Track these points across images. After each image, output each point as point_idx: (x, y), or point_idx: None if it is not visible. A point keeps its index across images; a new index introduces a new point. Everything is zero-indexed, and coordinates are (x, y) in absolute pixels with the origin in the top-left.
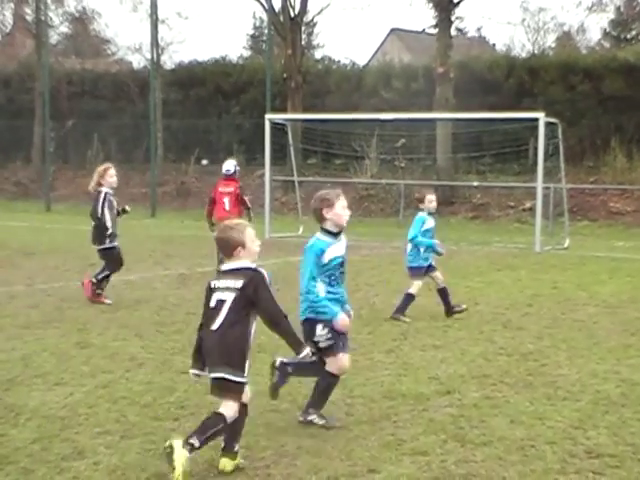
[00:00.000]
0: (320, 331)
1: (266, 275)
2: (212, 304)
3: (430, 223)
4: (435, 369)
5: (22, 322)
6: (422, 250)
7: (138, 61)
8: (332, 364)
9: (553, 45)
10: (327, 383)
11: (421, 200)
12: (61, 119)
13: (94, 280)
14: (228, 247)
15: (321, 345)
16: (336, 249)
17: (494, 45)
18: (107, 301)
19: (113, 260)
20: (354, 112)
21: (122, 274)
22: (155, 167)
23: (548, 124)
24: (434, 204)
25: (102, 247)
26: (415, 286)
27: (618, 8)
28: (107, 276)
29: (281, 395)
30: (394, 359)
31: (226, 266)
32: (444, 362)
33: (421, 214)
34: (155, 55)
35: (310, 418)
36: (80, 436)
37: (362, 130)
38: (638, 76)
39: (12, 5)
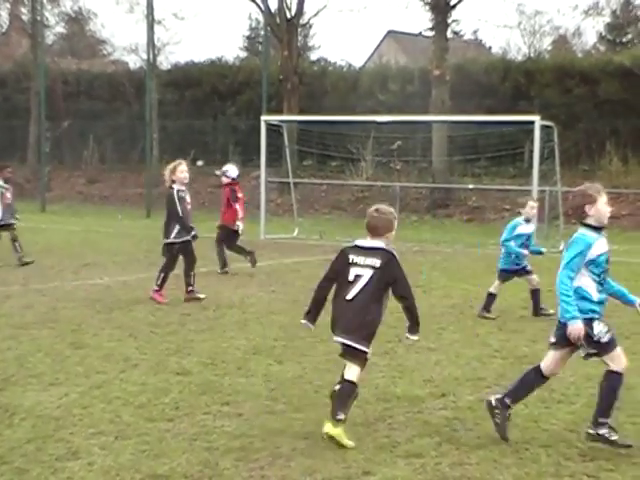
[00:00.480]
0: (597, 326)
1: (398, 257)
2: (350, 277)
3: (525, 228)
4: (430, 372)
5: (17, 322)
6: (513, 256)
7: (134, 62)
8: (616, 360)
9: (549, 48)
10: (617, 383)
11: (523, 205)
12: (57, 119)
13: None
14: (383, 229)
15: (603, 340)
16: (602, 244)
17: (490, 48)
18: (200, 295)
19: (171, 257)
20: (350, 114)
21: (117, 274)
22: (150, 168)
23: (544, 127)
24: (535, 211)
25: (166, 241)
26: (495, 285)
27: (614, 12)
28: (164, 276)
29: (275, 397)
30: (389, 361)
31: (365, 243)
32: (439, 365)
33: (517, 219)
34: (151, 56)
35: (602, 432)
36: (74, 437)
37: (358, 132)
38: (634, 80)
39: (8, 5)
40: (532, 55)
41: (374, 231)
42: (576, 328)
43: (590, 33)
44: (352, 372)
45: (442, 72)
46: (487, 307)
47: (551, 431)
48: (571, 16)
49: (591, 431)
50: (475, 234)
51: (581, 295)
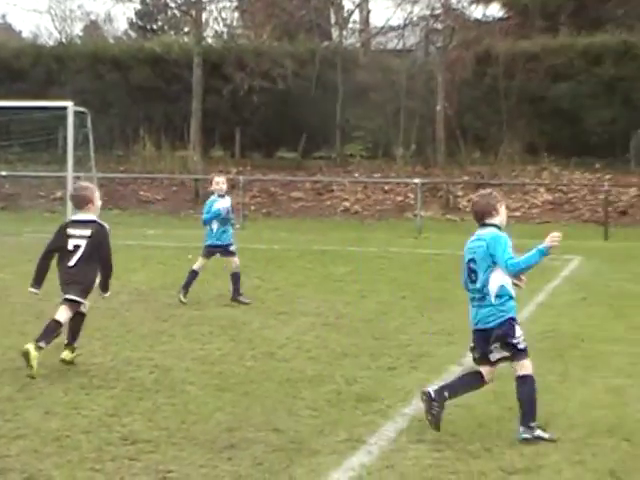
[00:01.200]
0: (519, 332)
1: (108, 229)
2: (70, 248)
3: (221, 204)
4: None
5: None
6: (215, 228)
7: None
8: (525, 366)
9: (81, 34)
10: (533, 385)
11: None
12: None
13: None
14: (83, 202)
15: (520, 347)
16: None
17: (21, 32)
18: None
19: None
20: None
21: None
22: None
23: (77, 113)
24: (221, 186)
25: None
26: (199, 262)
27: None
28: None
29: None
30: None
31: (78, 217)
32: None
33: (212, 197)
34: None
35: (537, 434)
36: None
37: None
38: (164, 66)
39: None
40: (64, 40)
41: (78, 205)
42: (549, 244)
43: (121, 19)
44: (62, 315)
45: None
46: (187, 286)
47: (92, 417)
48: (102, 2)
49: (527, 436)
50: (10, 222)
51: (508, 295)
